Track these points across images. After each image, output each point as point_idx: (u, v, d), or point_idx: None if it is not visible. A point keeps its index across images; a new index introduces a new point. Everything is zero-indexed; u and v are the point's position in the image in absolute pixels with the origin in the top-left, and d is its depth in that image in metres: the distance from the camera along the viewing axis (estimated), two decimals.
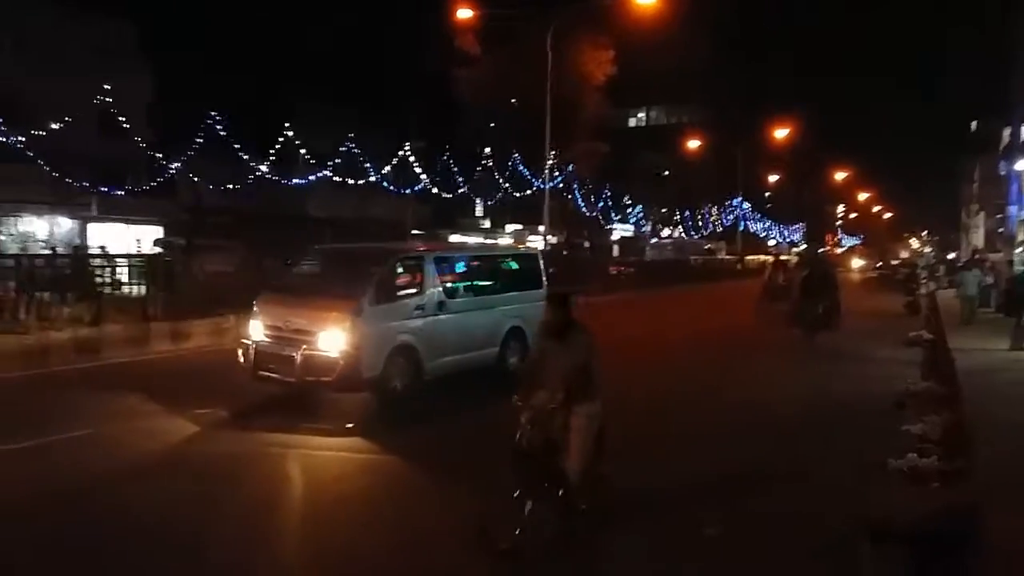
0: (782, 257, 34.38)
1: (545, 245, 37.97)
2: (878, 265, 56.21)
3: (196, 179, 28.41)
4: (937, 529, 5.12)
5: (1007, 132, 34.62)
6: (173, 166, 27.58)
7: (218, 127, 26.50)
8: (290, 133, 29.60)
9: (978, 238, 45.72)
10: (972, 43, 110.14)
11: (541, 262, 12.23)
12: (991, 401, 9.41)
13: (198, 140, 26.84)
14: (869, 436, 7.81)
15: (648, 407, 9.46)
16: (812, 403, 9.93)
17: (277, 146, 28.96)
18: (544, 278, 11.82)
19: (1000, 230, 36.70)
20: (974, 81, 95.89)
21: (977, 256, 32.38)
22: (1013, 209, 29.05)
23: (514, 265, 12.08)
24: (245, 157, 27.88)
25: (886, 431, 7.79)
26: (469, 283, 10.69)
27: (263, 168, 28.61)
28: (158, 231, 29.08)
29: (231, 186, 28.59)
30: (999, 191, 35.63)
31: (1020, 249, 23.59)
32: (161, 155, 27.42)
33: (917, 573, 4.68)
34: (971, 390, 9.26)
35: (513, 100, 40.20)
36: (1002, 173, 34.46)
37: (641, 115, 72.61)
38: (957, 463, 6.35)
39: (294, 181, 31.02)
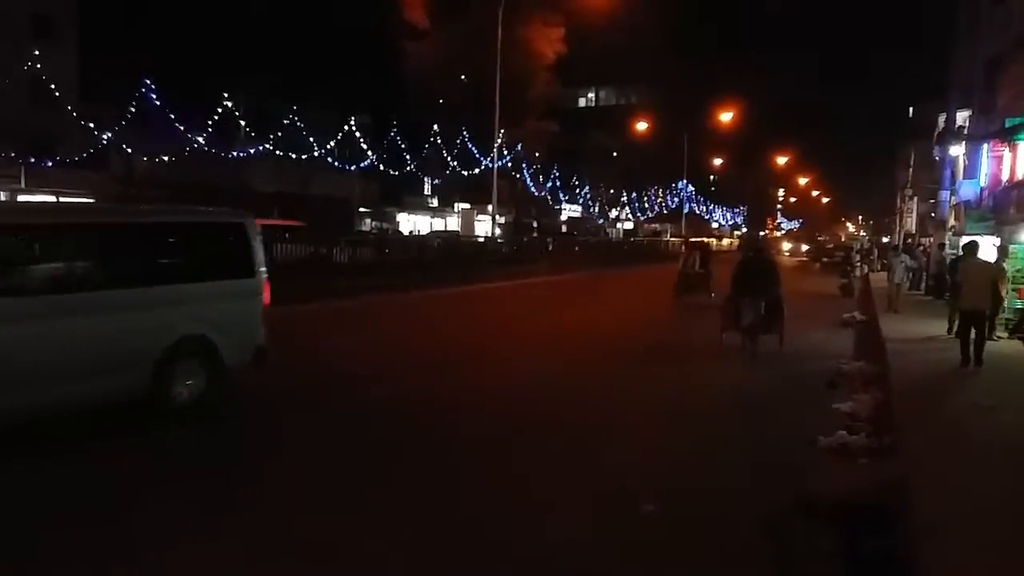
0: (695, 239, 30.56)
1: (494, 224, 37.96)
2: (805, 249, 58.85)
3: (129, 150, 27.36)
4: (865, 503, 5.26)
5: (942, 118, 35.66)
6: (105, 136, 26.48)
7: (152, 96, 25.50)
8: (229, 104, 28.66)
9: (911, 223, 47.24)
10: (914, 30, 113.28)
11: (253, 236, 8.17)
12: (918, 380, 9.75)
13: (131, 110, 25.80)
14: (802, 415, 7.97)
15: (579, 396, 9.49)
16: (745, 383, 10.10)
17: (215, 117, 28.02)
18: (258, 259, 8.12)
19: (932, 215, 37.88)
20: (914, 68, 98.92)
21: (910, 240, 33.45)
22: (945, 194, 29.96)
23: (196, 241, 7.87)
24: (181, 128, 26.91)
25: (819, 410, 7.97)
26: (72, 268, 6.77)
27: (200, 140, 27.68)
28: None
29: (166, 158, 27.62)
30: (932, 176, 36.75)
31: (951, 233, 24.38)
32: (92, 124, 26.29)
33: (847, 546, 4.79)
34: (900, 370, 9.58)
35: (463, 76, 39.79)
36: (936, 158, 35.56)
37: (591, 95, 72.78)
38: (885, 440, 6.53)
39: (233, 154, 30.11)
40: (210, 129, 27.85)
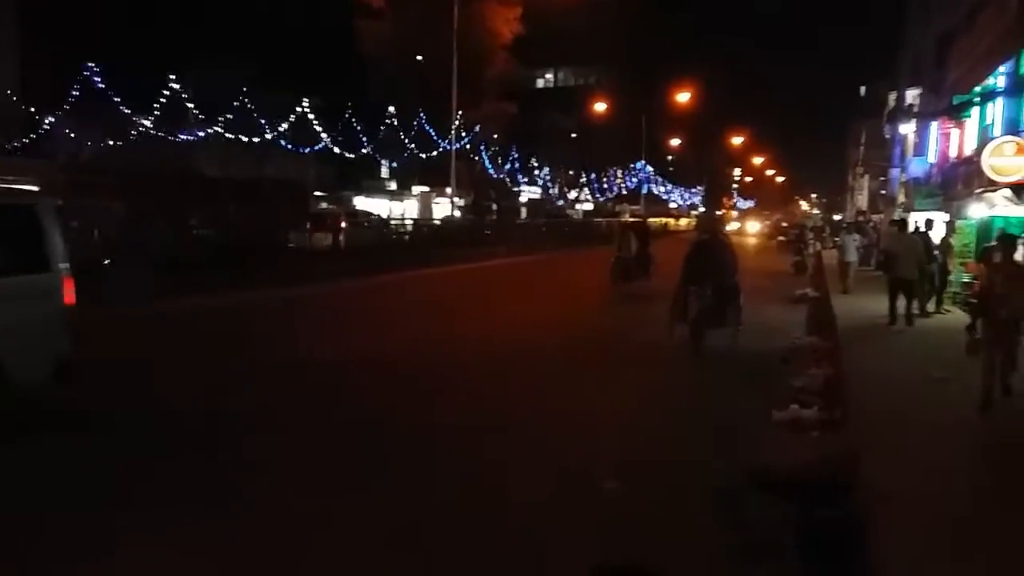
0: (633, 220, 27.81)
1: (452, 207, 37.69)
2: (758, 228, 61.04)
3: (72, 134, 26.45)
4: (817, 475, 5.33)
5: (892, 96, 36.41)
6: (47, 120, 25.54)
7: (96, 79, 24.63)
8: (176, 86, 27.82)
9: (862, 200, 48.26)
10: (864, 8, 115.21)
11: (49, 221, 6.58)
12: (868, 355, 9.94)
13: (74, 92, 24.89)
14: (756, 390, 8.07)
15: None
16: (702, 356, 10.18)
17: (162, 100, 27.17)
18: (55, 250, 6.51)
19: (883, 192, 38.80)
20: (864, 46, 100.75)
21: (860, 218, 34.20)
22: (895, 172, 30.65)
23: None
24: (127, 111, 26.07)
25: (772, 385, 8.07)
26: None
27: (146, 123, 26.85)
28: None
29: (111, 142, 26.77)
30: (883, 154, 37.60)
31: (900, 210, 24.94)
32: (33, 110, 25.33)
33: (799, 516, 4.84)
34: (850, 344, 9.75)
35: (419, 57, 39.28)
36: (887, 136, 36.35)
37: (549, 76, 72.52)
38: (835, 413, 6.63)
39: (181, 137, 29.29)
40: (157, 113, 27.03)
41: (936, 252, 13.87)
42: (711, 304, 10.37)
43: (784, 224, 54.25)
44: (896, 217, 20.92)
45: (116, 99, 25.22)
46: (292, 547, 4.38)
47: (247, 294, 15.35)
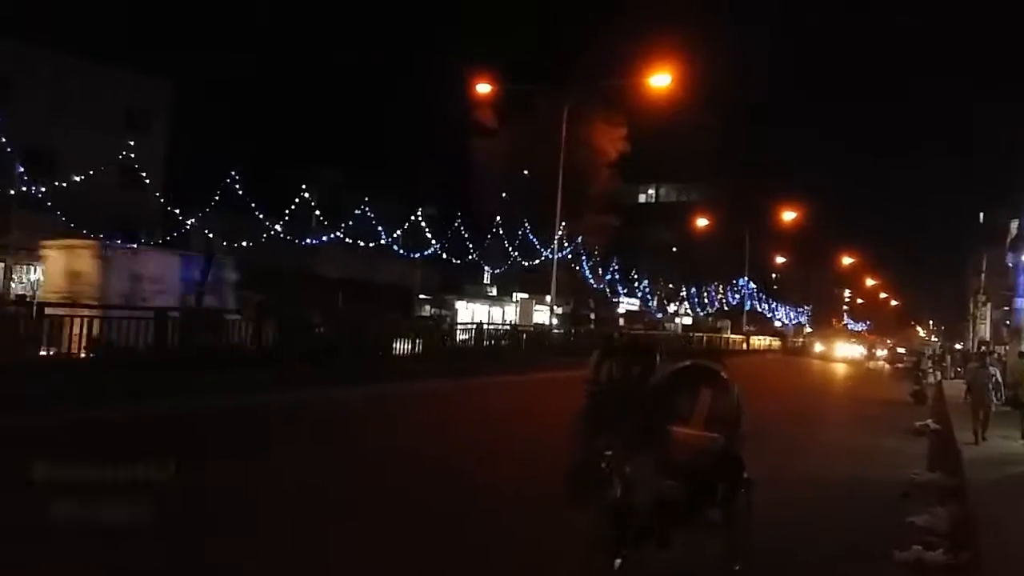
0: (630, 333, 23.38)
1: (551, 315, 38.17)
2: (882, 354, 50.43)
3: (211, 234, 28.84)
4: None
5: (1015, 224, 35.00)
6: (189, 221, 28.04)
7: (236, 186, 27.05)
8: (306, 194, 30.20)
9: (985, 329, 45.60)
10: (985, 135, 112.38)
11: None
12: (997, 494, 9.26)
13: (215, 197, 27.35)
14: (874, 527, 7.64)
15: None
16: (816, 491, 9.72)
17: (292, 206, 29.51)
18: None
19: (1007, 322, 36.70)
20: (984, 172, 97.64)
21: (983, 348, 32.31)
22: (1020, 301, 29.10)
23: None
24: (260, 216, 28.37)
25: (891, 522, 7.64)
26: None
27: (277, 227, 29.08)
28: None
29: (244, 243, 29.03)
30: (1005, 282, 35.79)
31: None
32: (178, 210, 27.91)
33: None
34: (977, 482, 9.13)
35: (526, 171, 41.09)
36: (1009, 264, 34.69)
37: (651, 191, 73.79)
38: (963, 557, 6.22)
39: (307, 241, 31.48)
40: (286, 218, 29.33)
41: None
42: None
43: (901, 350, 51.47)
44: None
45: (252, 204, 27.54)
46: None
47: (347, 389, 15.81)
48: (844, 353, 52.79)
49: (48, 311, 15.26)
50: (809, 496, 9.48)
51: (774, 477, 10.11)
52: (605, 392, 5.57)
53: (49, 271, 18.91)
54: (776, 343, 65.75)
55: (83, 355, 14.57)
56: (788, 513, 8.48)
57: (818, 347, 57.57)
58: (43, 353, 14.31)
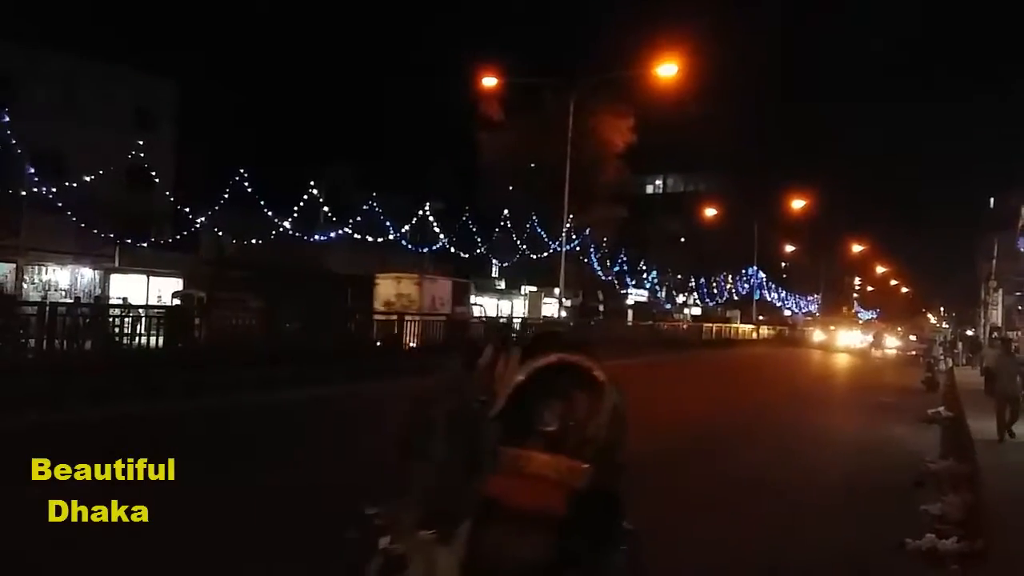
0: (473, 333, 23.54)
1: (560, 307, 38.18)
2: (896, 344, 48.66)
3: (220, 233, 28.96)
4: None
5: None
6: (199, 220, 28.16)
7: (245, 184, 27.15)
8: (314, 191, 30.29)
9: (997, 315, 45.28)
10: (991, 120, 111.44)
11: None
12: (1010, 480, 9.24)
13: (224, 196, 27.45)
14: (887, 515, 7.64)
15: None
16: (827, 479, 9.74)
17: (301, 203, 29.61)
18: None
19: (1020, 307, 36.46)
20: (992, 157, 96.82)
21: (995, 335, 32.12)
22: None
23: None
24: (270, 213, 28.48)
25: (904, 510, 7.64)
26: None
27: (287, 224, 29.18)
28: (178, 283, 29.53)
29: (254, 240, 29.16)
30: (1017, 267, 35.51)
31: None
32: (188, 209, 28.02)
33: None
34: (990, 469, 9.11)
35: (533, 164, 41.02)
36: (1021, 250, 34.44)
37: (658, 182, 73.53)
38: (977, 545, 6.21)
39: (316, 237, 31.59)
40: (295, 215, 29.42)
41: None
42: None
43: (913, 338, 51.16)
44: None
45: (261, 202, 27.65)
46: None
47: (365, 384, 15.88)
48: (848, 342, 49.69)
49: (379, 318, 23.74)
50: (823, 485, 9.51)
51: (784, 466, 10.18)
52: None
53: (381, 293, 27.05)
54: (770, 331, 60.23)
55: (412, 345, 22.38)
56: (801, 501, 8.53)
57: (818, 336, 53.30)
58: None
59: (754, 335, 56.31)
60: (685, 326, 53.57)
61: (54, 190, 24.46)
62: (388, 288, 27.54)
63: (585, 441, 1.91)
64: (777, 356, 39.98)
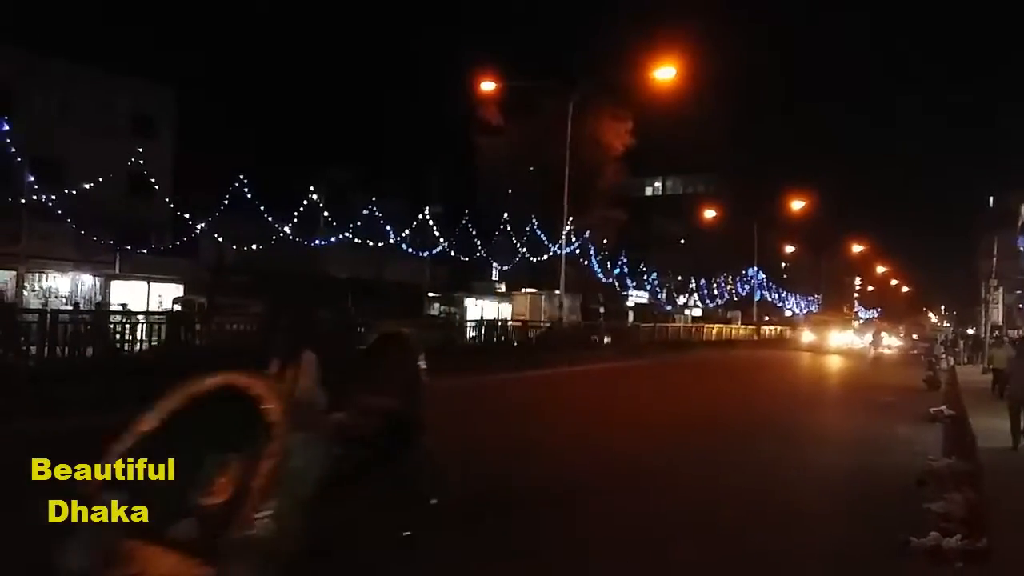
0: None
1: (561, 309, 38.16)
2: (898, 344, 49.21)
3: (220, 238, 28.94)
4: None
5: None
6: (199, 226, 28.15)
7: (244, 189, 27.14)
8: (314, 196, 30.28)
9: (997, 314, 45.25)
10: (991, 120, 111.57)
11: None
12: (1013, 478, 9.22)
13: (224, 201, 27.43)
14: (891, 513, 7.63)
15: None
16: (831, 478, 9.72)
17: (301, 208, 29.60)
18: None
19: (1020, 305, 36.48)
20: (991, 156, 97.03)
21: (997, 333, 32.11)
22: None
23: None
24: (269, 219, 28.47)
25: (907, 509, 7.62)
26: None
27: (286, 229, 29.17)
28: (179, 289, 29.52)
29: (254, 246, 29.14)
30: (1017, 266, 35.56)
31: None
32: (188, 215, 28.02)
33: None
34: (992, 467, 9.09)
35: (532, 168, 41.03)
36: (1021, 248, 34.48)
37: (658, 184, 73.54)
38: (981, 543, 6.20)
39: (315, 242, 31.58)
40: (295, 220, 29.41)
41: None
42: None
43: (915, 337, 51.10)
44: None
45: (261, 207, 27.63)
46: None
47: None
48: (841, 343, 45.61)
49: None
50: (826, 483, 9.50)
51: (783, 465, 10.16)
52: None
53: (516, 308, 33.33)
54: (741, 331, 54.26)
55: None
56: (804, 500, 8.52)
57: (807, 337, 48.00)
58: None
59: (754, 336, 56.24)
60: (683, 327, 53.36)
61: (54, 197, 24.44)
62: (523, 304, 33.39)
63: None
64: (771, 358, 39.77)
